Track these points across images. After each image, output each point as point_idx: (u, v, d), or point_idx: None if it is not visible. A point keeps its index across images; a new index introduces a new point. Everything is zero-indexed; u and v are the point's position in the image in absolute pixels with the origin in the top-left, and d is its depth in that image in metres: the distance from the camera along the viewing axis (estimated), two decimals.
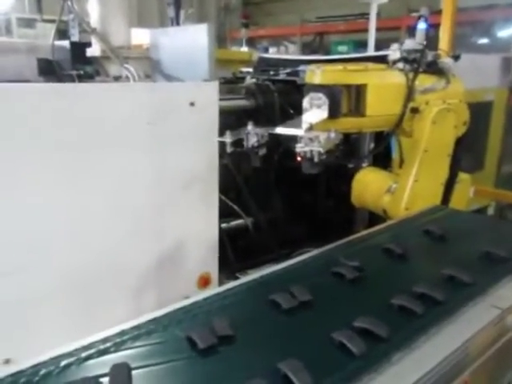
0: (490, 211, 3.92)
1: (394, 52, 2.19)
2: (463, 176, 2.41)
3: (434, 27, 3.46)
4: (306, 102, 1.96)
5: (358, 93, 2.05)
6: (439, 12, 3.46)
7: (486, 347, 1.09)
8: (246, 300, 1.09)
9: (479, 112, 3.62)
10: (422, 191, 2.12)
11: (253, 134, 1.76)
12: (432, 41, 3.36)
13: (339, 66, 2.07)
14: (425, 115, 2.10)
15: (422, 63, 2.13)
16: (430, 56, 2.20)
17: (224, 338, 0.92)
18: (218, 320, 0.96)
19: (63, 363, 0.84)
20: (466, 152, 3.62)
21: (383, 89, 2.07)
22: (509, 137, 3.85)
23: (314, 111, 1.96)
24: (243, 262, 2.58)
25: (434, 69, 2.20)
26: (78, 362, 0.85)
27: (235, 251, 2.53)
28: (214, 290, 1.13)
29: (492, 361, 1.13)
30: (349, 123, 2.04)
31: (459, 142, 2.24)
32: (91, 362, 0.86)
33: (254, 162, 1.79)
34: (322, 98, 1.96)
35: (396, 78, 2.09)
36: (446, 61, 2.24)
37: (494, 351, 1.12)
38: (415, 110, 2.09)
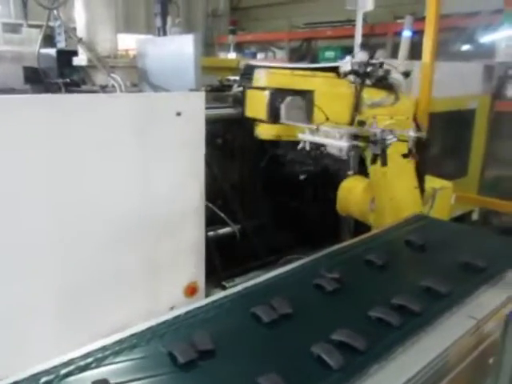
0: (475, 216, 3.98)
1: (345, 64, 2.16)
2: (445, 183, 2.44)
3: (418, 33, 3.51)
4: (284, 108, 1.96)
5: (307, 100, 2.03)
6: (424, 18, 3.50)
7: (463, 357, 1.12)
8: (227, 313, 1.10)
9: (462, 119, 3.69)
10: (400, 204, 2.14)
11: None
12: (416, 47, 3.41)
13: (286, 70, 2.06)
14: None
15: (372, 77, 2.11)
16: (380, 71, 2.19)
17: (204, 353, 0.93)
18: (199, 334, 0.97)
19: (43, 380, 0.85)
20: (450, 158, 3.70)
21: (330, 97, 2.05)
22: (492, 143, 3.92)
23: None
24: (230, 270, 2.59)
25: (384, 84, 2.18)
26: (58, 378, 0.86)
27: (222, 259, 2.53)
28: (196, 303, 1.14)
29: (469, 370, 1.16)
30: (295, 130, 1.99)
31: (422, 147, 2.25)
32: (72, 378, 0.87)
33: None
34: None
35: (344, 88, 2.08)
36: (396, 77, 2.21)
37: (471, 361, 1.15)
38: (362, 124, 2.10)
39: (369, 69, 2.09)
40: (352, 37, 5.76)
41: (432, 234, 1.63)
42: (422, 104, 3.04)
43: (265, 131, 2.23)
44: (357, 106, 2.07)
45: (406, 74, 2.30)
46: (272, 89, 2.02)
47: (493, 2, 4.22)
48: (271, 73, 2.02)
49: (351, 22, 6.77)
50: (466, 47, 4.42)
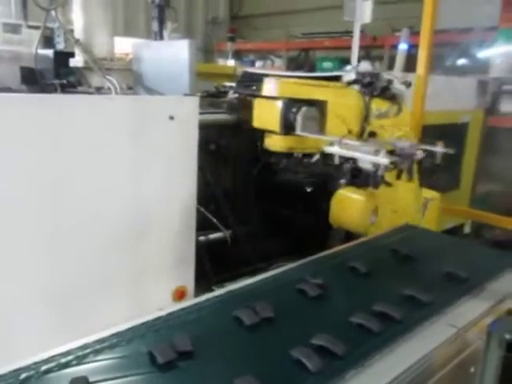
0: (467, 229, 4.00)
1: (349, 73, 2.12)
2: (434, 194, 2.45)
3: (415, 47, 3.56)
4: (300, 119, 1.88)
5: (319, 110, 1.97)
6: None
7: (443, 365, 1.13)
8: (209, 316, 1.11)
9: (455, 133, 3.73)
10: (403, 217, 2.10)
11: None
12: (414, 60, 3.45)
13: (299, 80, 2.00)
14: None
15: (378, 87, 2.04)
16: (383, 81, 2.12)
17: (184, 354, 0.94)
18: (180, 335, 0.98)
19: (23, 376, 0.85)
20: (442, 171, 3.72)
21: (342, 107, 1.99)
22: (484, 158, 3.96)
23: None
24: (221, 275, 2.59)
25: (387, 94, 2.12)
26: (37, 375, 0.86)
27: (213, 264, 2.53)
28: (178, 305, 1.14)
29: (449, 378, 1.17)
30: (308, 142, 1.95)
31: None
32: (51, 375, 0.87)
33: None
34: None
35: (355, 99, 2.04)
36: (398, 87, 2.16)
37: (451, 369, 1.16)
38: (373, 134, 2.04)
39: (368, 78, 2.06)
40: (349, 48, 5.82)
41: (418, 243, 1.65)
42: (416, 116, 3.08)
43: (277, 143, 2.12)
44: (367, 117, 2.02)
45: (408, 84, 2.28)
46: (285, 98, 1.95)
47: (487, 18, 4.29)
48: (284, 82, 1.95)
49: (349, 33, 6.84)
50: (460, 62, 4.47)
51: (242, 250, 2.70)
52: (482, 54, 4.25)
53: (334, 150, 1.63)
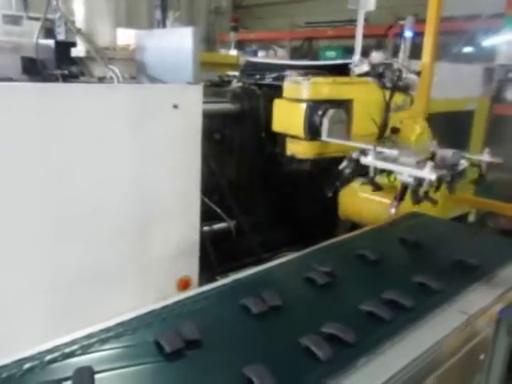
0: (471, 218, 3.97)
1: (361, 65, 1.97)
2: None
3: (420, 35, 3.51)
4: (326, 123, 1.74)
5: (345, 110, 1.83)
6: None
7: (452, 353, 1.11)
8: (216, 304, 1.09)
9: (461, 120, 3.69)
10: (428, 206, 2.03)
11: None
12: (418, 49, 3.40)
13: (328, 79, 1.83)
14: (407, 135, 1.97)
15: (392, 78, 1.92)
16: (396, 72, 1.94)
17: (191, 343, 0.92)
18: (187, 324, 0.96)
19: (26, 366, 0.84)
20: None
21: (369, 105, 1.85)
22: (489, 145, 3.91)
23: None
24: (225, 265, 2.58)
25: (401, 86, 1.97)
26: (41, 365, 0.85)
27: (218, 254, 2.52)
28: (185, 293, 1.13)
29: (459, 365, 1.15)
30: (335, 146, 1.79)
31: None
32: (56, 364, 0.86)
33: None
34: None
35: (377, 94, 1.88)
36: (410, 77, 2.00)
37: (461, 356, 1.15)
38: (396, 131, 1.92)
39: (381, 69, 1.92)
40: (353, 37, 5.76)
41: (427, 231, 1.62)
42: (421, 105, 3.04)
43: (303, 150, 1.93)
44: (388, 112, 1.89)
45: (418, 73, 2.15)
46: (309, 100, 1.79)
47: (494, 5, 4.22)
48: (315, 83, 1.77)
49: (353, 21, 6.75)
50: (466, 49, 4.41)
51: (247, 241, 2.69)
52: (489, 41, 4.20)
53: (370, 161, 1.47)
